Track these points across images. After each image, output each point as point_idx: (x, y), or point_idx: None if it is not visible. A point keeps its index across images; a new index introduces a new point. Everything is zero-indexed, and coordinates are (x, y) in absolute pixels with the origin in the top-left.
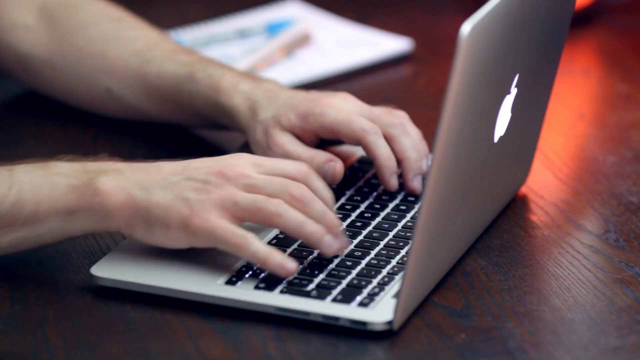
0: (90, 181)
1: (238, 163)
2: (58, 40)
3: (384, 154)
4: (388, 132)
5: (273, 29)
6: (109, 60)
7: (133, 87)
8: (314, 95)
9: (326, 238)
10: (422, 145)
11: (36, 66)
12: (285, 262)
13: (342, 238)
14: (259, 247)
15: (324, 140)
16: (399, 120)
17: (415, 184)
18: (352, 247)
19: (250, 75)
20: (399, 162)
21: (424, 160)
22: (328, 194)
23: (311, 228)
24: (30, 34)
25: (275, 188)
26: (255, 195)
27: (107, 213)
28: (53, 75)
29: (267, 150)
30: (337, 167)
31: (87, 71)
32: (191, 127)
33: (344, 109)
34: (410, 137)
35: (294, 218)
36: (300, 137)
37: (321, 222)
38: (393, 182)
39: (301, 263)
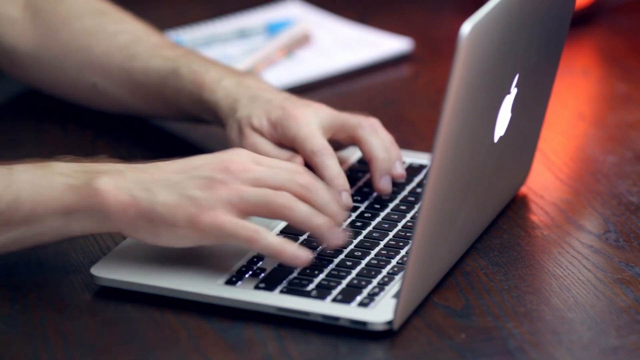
0: (90, 181)
1: (239, 158)
2: (43, 34)
3: (328, 175)
4: (356, 134)
5: (273, 29)
6: (94, 55)
7: (118, 82)
8: (288, 103)
9: (334, 229)
10: (393, 149)
11: (21, 59)
12: (299, 252)
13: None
14: (271, 239)
15: None
16: (368, 123)
17: (382, 184)
18: (352, 247)
19: (235, 71)
20: (367, 162)
21: (397, 162)
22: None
23: (320, 220)
24: (15, 27)
25: (282, 178)
26: (262, 189)
27: (107, 214)
28: (38, 68)
29: (239, 147)
30: (297, 162)
31: (72, 66)
32: (175, 122)
33: (307, 125)
34: (379, 138)
35: (303, 210)
36: (270, 139)
37: (328, 209)
38: (344, 199)
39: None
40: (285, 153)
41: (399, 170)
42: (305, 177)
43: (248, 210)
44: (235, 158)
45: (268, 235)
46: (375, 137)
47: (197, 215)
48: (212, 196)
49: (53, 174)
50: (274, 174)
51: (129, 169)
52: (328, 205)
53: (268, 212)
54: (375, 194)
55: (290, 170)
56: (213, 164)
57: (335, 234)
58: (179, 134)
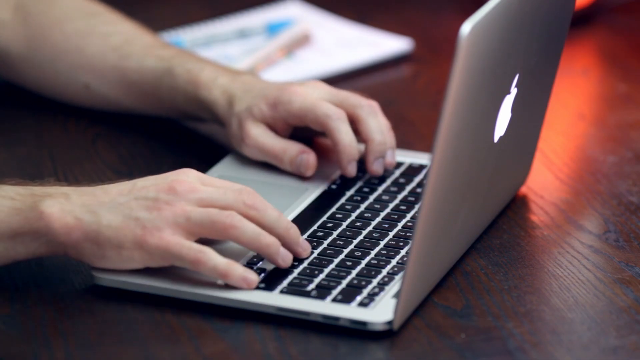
0: (35, 204)
1: (186, 178)
2: (34, 36)
3: (344, 139)
4: (355, 113)
5: (273, 29)
6: (86, 56)
7: (111, 83)
8: (284, 84)
9: (282, 251)
10: (390, 134)
11: (13, 61)
12: (247, 275)
13: (303, 240)
14: (218, 260)
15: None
16: (368, 103)
17: (375, 167)
18: (352, 247)
19: (228, 69)
20: (364, 143)
21: (390, 150)
22: (281, 213)
23: (268, 240)
24: (6, 30)
25: (228, 198)
26: (207, 208)
27: (53, 237)
28: (30, 70)
29: (241, 142)
30: (310, 158)
31: (64, 67)
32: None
33: (311, 96)
34: (377, 120)
35: (249, 230)
36: (272, 127)
37: (277, 228)
38: (350, 170)
39: (301, 263)
40: (289, 143)
41: (390, 159)
42: (252, 197)
43: (194, 231)
44: (181, 178)
45: (215, 257)
46: (374, 118)
47: (142, 237)
48: (157, 217)
49: None
50: (221, 194)
51: (75, 192)
52: (276, 225)
53: (214, 232)
54: (375, 195)
55: (238, 190)
56: (159, 185)
57: (284, 255)
58: (179, 134)
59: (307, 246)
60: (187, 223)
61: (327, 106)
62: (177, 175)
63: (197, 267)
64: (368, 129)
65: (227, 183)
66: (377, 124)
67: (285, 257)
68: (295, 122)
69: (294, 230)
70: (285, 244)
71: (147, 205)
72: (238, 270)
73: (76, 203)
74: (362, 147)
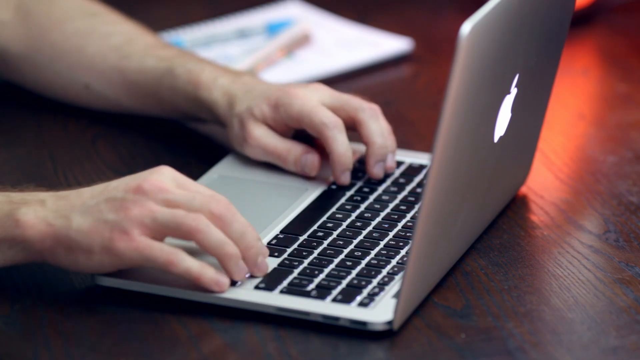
0: (11, 212)
1: (157, 177)
2: (35, 36)
3: (339, 149)
4: (356, 116)
5: (273, 29)
6: (86, 56)
7: (112, 83)
8: (287, 86)
9: (240, 263)
10: (390, 138)
11: (13, 61)
12: (218, 278)
13: (263, 260)
14: (191, 262)
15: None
16: (369, 106)
17: (376, 170)
18: (352, 247)
19: (229, 69)
20: (365, 146)
21: (390, 154)
22: (249, 226)
23: (230, 249)
24: (6, 30)
25: (195, 204)
26: (174, 210)
27: (28, 244)
28: (31, 70)
29: (243, 143)
30: (315, 159)
31: (65, 67)
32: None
33: (310, 100)
34: (379, 124)
35: (214, 236)
36: (274, 128)
37: (240, 243)
38: (344, 179)
39: (301, 263)
40: (292, 143)
41: (391, 162)
42: (220, 206)
43: (160, 232)
44: (152, 177)
45: (186, 258)
46: (376, 122)
47: (111, 240)
48: (124, 218)
49: None
50: (190, 197)
51: (51, 198)
52: (239, 240)
53: (179, 234)
54: (375, 195)
55: (208, 196)
56: (128, 185)
57: (241, 269)
58: (179, 134)
59: (264, 268)
60: (153, 223)
61: (325, 113)
62: (149, 174)
63: (169, 268)
64: (369, 132)
65: (201, 188)
66: (379, 128)
67: (240, 272)
68: (294, 124)
69: (255, 250)
70: (244, 260)
71: (115, 206)
72: (209, 273)
73: (50, 209)
74: (362, 148)
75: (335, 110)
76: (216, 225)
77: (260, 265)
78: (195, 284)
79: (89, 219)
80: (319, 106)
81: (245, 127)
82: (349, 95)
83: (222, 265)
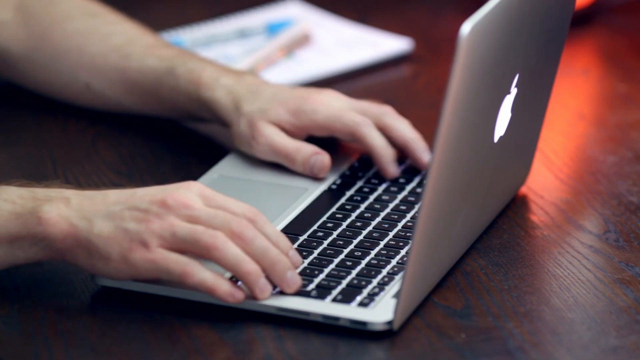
0: (34, 209)
1: (183, 193)
2: (35, 36)
3: (380, 143)
4: (381, 121)
5: (273, 29)
6: (87, 56)
7: (113, 83)
8: (301, 92)
9: (261, 282)
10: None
11: (14, 61)
12: (233, 290)
13: (293, 275)
14: (205, 274)
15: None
16: (388, 109)
17: (426, 156)
18: (352, 247)
19: (230, 69)
20: (402, 147)
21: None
22: (281, 238)
23: (248, 267)
24: (7, 29)
25: (216, 222)
26: (194, 225)
27: (49, 242)
28: (31, 70)
29: (251, 141)
30: (325, 159)
31: (65, 67)
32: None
33: (333, 106)
34: (402, 122)
35: (231, 253)
36: (289, 133)
37: (262, 260)
38: (392, 170)
39: (301, 264)
40: (302, 144)
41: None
42: (241, 224)
43: (179, 247)
44: (179, 192)
45: (201, 270)
46: (400, 122)
47: (129, 250)
48: (144, 229)
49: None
50: (212, 215)
51: (76, 196)
52: (261, 257)
53: (197, 250)
54: (375, 195)
55: (230, 215)
56: (154, 196)
57: (262, 286)
58: (179, 134)
59: (294, 283)
60: (171, 238)
61: (353, 114)
62: (176, 188)
63: (184, 280)
64: (401, 132)
65: (229, 202)
66: (405, 125)
67: (263, 289)
68: (319, 132)
69: (280, 265)
70: (270, 277)
71: (137, 216)
72: (224, 285)
73: (74, 208)
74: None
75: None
76: (236, 243)
77: (290, 280)
78: (210, 296)
79: (110, 225)
80: (344, 109)
81: (256, 126)
82: (364, 101)
83: (245, 284)
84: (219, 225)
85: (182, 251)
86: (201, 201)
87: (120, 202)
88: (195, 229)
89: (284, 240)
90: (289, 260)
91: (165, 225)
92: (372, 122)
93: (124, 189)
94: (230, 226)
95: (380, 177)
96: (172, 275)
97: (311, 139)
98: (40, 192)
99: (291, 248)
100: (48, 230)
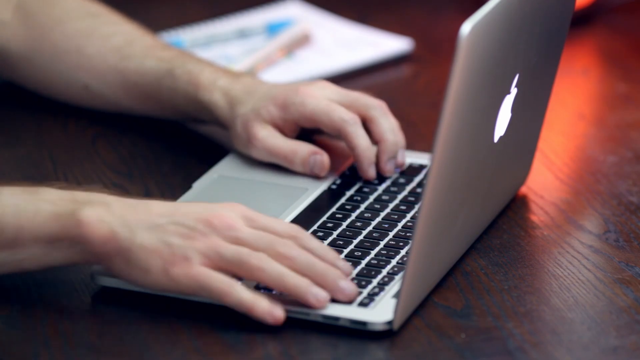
0: (74, 211)
1: (228, 214)
2: (35, 36)
3: (363, 144)
4: (367, 114)
5: (273, 29)
6: (86, 57)
7: (111, 84)
8: (292, 85)
9: (313, 290)
10: (400, 134)
11: (13, 61)
12: (272, 309)
13: (346, 284)
14: (244, 294)
15: (306, 133)
16: (378, 103)
17: (388, 166)
18: (352, 247)
19: (228, 71)
20: (377, 144)
21: (400, 150)
22: (326, 250)
23: (294, 280)
24: (6, 30)
25: (261, 244)
26: (239, 247)
27: (88, 246)
28: (30, 70)
29: (248, 144)
30: (324, 159)
31: (64, 67)
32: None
33: (323, 98)
34: (389, 120)
35: (274, 272)
36: (281, 128)
37: (311, 274)
38: (371, 172)
39: None
40: (298, 144)
41: (401, 158)
42: (285, 245)
43: (222, 266)
44: (223, 213)
45: (241, 289)
46: (386, 119)
47: (171, 264)
48: (189, 246)
49: (40, 200)
50: (257, 238)
51: (117, 202)
52: (311, 269)
53: (241, 271)
54: (375, 195)
55: (273, 237)
56: (200, 215)
57: (315, 294)
58: (179, 134)
59: (350, 290)
60: (216, 257)
61: (342, 110)
62: (221, 208)
63: (223, 298)
64: (381, 129)
65: (271, 223)
66: (389, 124)
67: (317, 295)
68: (307, 123)
69: (330, 276)
70: (323, 288)
71: (183, 232)
72: (263, 305)
73: (115, 214)
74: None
75: (344, 107)
76: (282, 263)
77: (345, 288)
78: (249, 315)
79: (153, 238)
80: (334, 104)
81: (250, 129)
82: (356, 92)
83: (297, 299)
84: (263, 247)
85: (223, 271)
86: (244, 222)
87: (164, 215)
88: (240, 251)
89: (330, 252)
90: (339, 271)
91: (211, 244)
92: (358, 116)
93: (164, 202)
94: (275, 247)
95: (380, 177)
96: (211, 293)
97: (308, 139)
98: (80, 195)
99: (338, 258)
100: (87, 234)
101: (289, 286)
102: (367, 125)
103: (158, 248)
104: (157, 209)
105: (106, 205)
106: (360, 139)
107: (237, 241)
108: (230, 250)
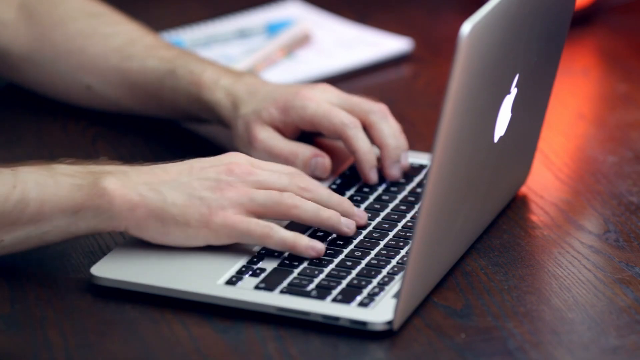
0: (96, 181)
1: (240, 161)
2: (37, 36)
3: (363, 147)
4: (367, 119)
5: (273, 29)
6: (88, 57)
7: (113, 84)
8: (293, 87)
9: (343, 220)
10: (402, 138)
11: (15, 62)
12: (313, 243)
13: (358, 210)
14: (285, 233)
15: (306, 134)
16: (378, 108)
17: (393, 171)
18: (352, 247)
19: (230, 70)
20: (379, 149)
21: (403, 153)
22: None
23: (327, 213)
24: (8, 30)
25: (283, 182)
26: (268, 191)
27: (114, 213)
28: (32, 71)
29: (249, 145)
30: (325, 161)
31: (66, 68)
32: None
33: (324, 101)
34: (389, 125)
35: (310, 207)
36: (281, 131)
37: (331, 203)
38: (373, 176)
39: (301, 263)
40: (299, 146)
41: (405, 162)
42: (304, 180)
43: (256, 211)
44: (237, 161)
45: (281, 230)
46: (386, 123)
47: (209, 216)
48: (221, 197)
49: (57, 174)
50: (277, 177)
51: (133, 170)
52: (329, 201)
53: (276, 213)
54: (375, 195)
55: (290, 174)
56: (217, 167)
57: (347, 223)
58: (179, 134)
59: (364, 214)
60: (250, 203)
61: (343, 114)
62: (231, 157)
63: (265, 240)
64: (382, 134)
65: (275, 166)
66: (390, 129)
67: (348, 224)
68: (307, 127)
69: (347, 202)
70: (343, 216)
71: (210, 185)
72: (304, 241)
73: (137, 180)
74: (376, 151)
75: (345, 111)
76: (305, 197)
77: (359, 212)
78: (293, 253)
79: (183, 195)
80: (334, 108)
81: (251, 130)
82: (357, 96)
83: (328, 229)
84: (287, 185)
85: (256, 216)
86: (254, 168)
87: (184, 174)
88: (271, 193)
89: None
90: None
91: (242, 192)
92: (359, 121)
93: (175, 162)
94: (297, 182)
95: (380, 177)
96: (253, 237)
97: (308, 139)
98: (95, 167)
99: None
100: (113, 202)
101: (324, 218)
102: (368, 130)
103: (193, 203)
104: (173, 169)
105: (124, 173)
106: (361, 142)
107: (260, 185)
108: (262, 194)
